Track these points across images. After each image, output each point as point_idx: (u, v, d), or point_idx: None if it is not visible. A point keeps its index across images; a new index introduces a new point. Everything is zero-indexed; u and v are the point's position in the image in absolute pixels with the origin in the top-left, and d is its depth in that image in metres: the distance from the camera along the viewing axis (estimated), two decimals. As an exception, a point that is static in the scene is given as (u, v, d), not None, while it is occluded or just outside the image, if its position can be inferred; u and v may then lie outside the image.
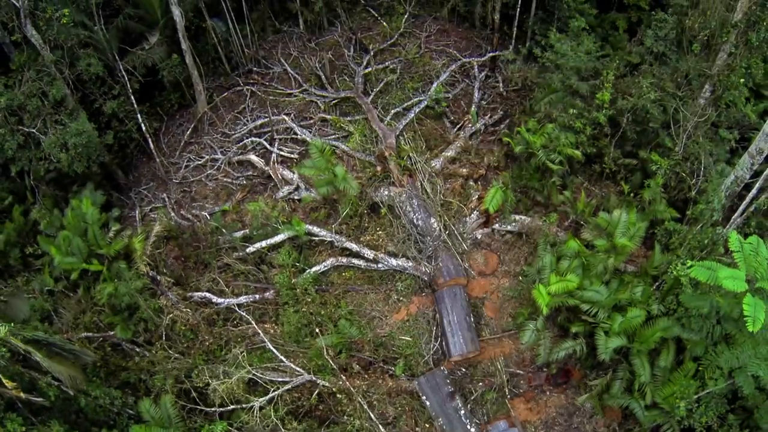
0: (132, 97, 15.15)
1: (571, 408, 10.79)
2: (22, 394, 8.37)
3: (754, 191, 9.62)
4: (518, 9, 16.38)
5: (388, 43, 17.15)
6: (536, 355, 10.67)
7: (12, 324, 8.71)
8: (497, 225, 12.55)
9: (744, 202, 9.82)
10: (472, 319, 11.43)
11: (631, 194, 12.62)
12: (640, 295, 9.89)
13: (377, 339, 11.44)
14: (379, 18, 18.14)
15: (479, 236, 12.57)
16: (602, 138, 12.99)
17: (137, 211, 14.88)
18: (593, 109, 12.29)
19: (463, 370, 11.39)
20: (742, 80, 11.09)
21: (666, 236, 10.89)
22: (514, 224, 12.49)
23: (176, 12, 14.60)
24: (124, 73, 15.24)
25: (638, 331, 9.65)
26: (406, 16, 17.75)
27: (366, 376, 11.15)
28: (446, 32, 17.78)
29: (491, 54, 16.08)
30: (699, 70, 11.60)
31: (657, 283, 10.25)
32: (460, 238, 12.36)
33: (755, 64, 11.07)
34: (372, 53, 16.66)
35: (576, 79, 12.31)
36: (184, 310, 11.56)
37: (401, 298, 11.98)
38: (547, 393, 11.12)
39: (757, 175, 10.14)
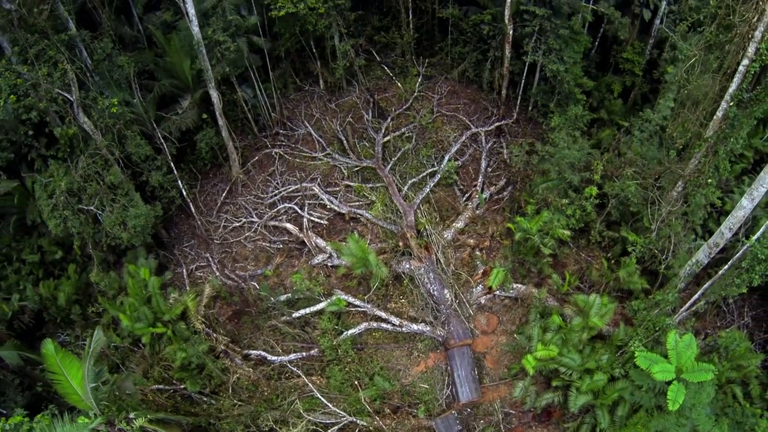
0: (172, 164, 17.64)
1: (551, 440, 14.82)
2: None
3: (702, 290, 13.20)
4: (523, 80, 19.12)
5: (404, 108, 19.70)
6: (524, 402, 14.51)
7: (129, 405, 11.89)
8: (498, 292, 16.04)
9: (692, 299, 13.44)
10: (476, 372, 15.16)
11: (612, 261, 16.19)
12: (605, 361, 13.64)
13: (403, 388, 15.13)
14: (393, 78, 20.54)
15: (482, 301, 16.09)
16: (590, 214, 16.33)
17: (184, 270, 17.84)
18: (583, 198, 15.53)
19: (469, 410, 15.24)
20: (710, 180, 14.28)
21: (632, 311, 14.55)
22: (512, 291, 15.99)
23: (214, 95, 16.92)
24: (162, 141, 17.67)
25: (602, 389, 13.47)
26: (419, 80, 20.19)
27: (395, 416, 14.92)
28: (456, 93, 20.38)
29: (497, 123, 18.90)
30: (674, 170, 14.80)
31: (620, 351, 13.98)
32: (467, 305, 15.85)
33: (723, 165, 14.20)
34: (390, 119, 19.23)
35: (570, 172, 15.42)
36: (246, 368, 14.95)
37: (421, 354, 15.58)
38: (533, 428, 15.11)
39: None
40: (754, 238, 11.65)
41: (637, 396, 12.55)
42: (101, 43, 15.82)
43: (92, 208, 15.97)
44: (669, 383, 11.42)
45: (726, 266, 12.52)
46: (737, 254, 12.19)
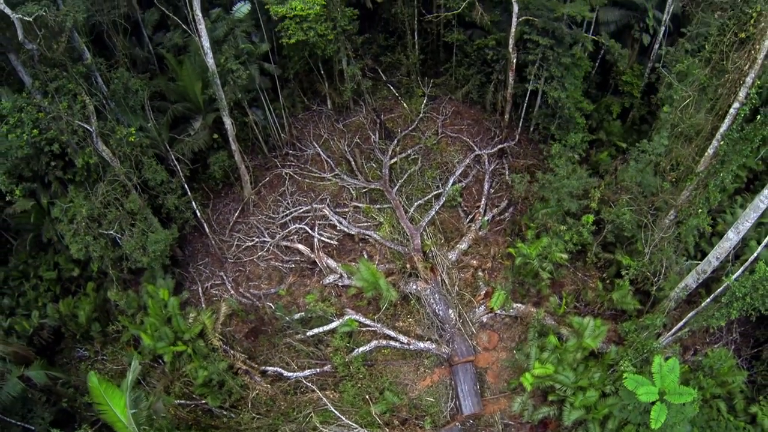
0: (186, 186, 18.41)
1: (547, 449, 16.17)
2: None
3: (685, 320, 14.40)
4: (525, 103, 19.93)
5: (410, 129, 20.50)
6: (522, 415, 15.80)
7: (165, 426, 12.99)
8: (499, 311, 17.19)
9: (676, 327, 14.64)
10: (478, 387, 16.40)
11: (608, 281, 17.34)
12: (597, 379, 14.90)
13: (410, 401, 16.36)
14: (399, 98, 21.26)
15: (484, 319, 17.25)
16: (587, 238, 17.39)
17: (199, 287, 18.80)
18: (580, 225, 16.57)
19: (471, 422, 16.54)
20: (700, 210, 15.33)
21: (624, 332, 15.76)
22: (512, 310, 17.15)
23: (227, 121, 17.62)
24: (176, 163, 18.40)
25: (593, 405, 14.76)
26: (425, 100, 20.94)
27: (403, 428, 16.19)
28: (460, 114, 21.19)
29: (500, 146, 19.77)
30: (667, 200, 15.84)
31: (611, 369, 15.24)
32: (470, 323, 17.00)
33: (713, 196, 15.21)
34: (396, 141, 20.04)
35: (568, 200, 16.42)
36: (264, 384, 16.08)
37: (427, 370, 16.78)
38: (531, 438, 16.45)
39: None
40: (734, 277, 12.75)
41: (626, 413, 13.83)
42: (117, 72, 16.40)
43: (112, 232, 16.80)
44: (653, 403, 12.68)
45: (707, 300, 13.68)
46: (719, 290, 13.32)
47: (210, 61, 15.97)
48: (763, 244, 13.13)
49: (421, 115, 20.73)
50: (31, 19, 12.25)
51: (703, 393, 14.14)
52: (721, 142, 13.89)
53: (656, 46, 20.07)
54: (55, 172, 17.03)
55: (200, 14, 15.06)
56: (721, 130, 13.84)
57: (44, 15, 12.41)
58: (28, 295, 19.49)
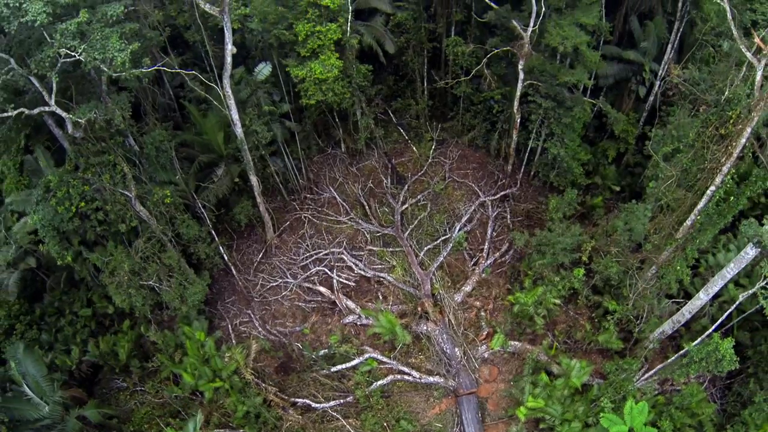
0: (213, 233, 20.22)
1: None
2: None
3: (654, 371, 17.16)
4: (527, 151, 21.80)
5: (420, 174, 22.29)
6: (517, 441, 18.83)
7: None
8: (498, 349, 19.89)
9: (648, 374, 17.42)
10: (480, 414, 19.33)
11: (596, 320, 20.02)
12: (581, 412, 17.82)
13: (422, 428, 19.26)
14: (409, 141, 22.88)
15: (486, 355, 19.96)
16: (578, 286, 19.90)
17: (229, 325, 21.03)
18: (572, 276, 18.98)
19: (474, 443, 19.57)
20: (678, 267, 17.73)
21: (606, 371, 18.58)
22: (510, 348, 19.84)
23: (254, 179, 19.27)
24: (203, 210, 20.12)
25: (577, 434, 17.78)
26: (433, 145, 22.61)
27: (415, 451, 19.15)
28: (466, 158, 22.98)
29: (503, 193, 21.78)
30: (650, 258, 18.25)
31: (593, 403, 18.14)
32: (473, 359, 19.69)
33: (691, 254, 17.54)
34: (407, 187, 21.89)
35: (562, 255, 18.73)
36: (296, 416, 18.73)
37: (436, 400, 19.59)
38: (524, 458, 19.58)
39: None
40: (693, 344, 15.39)
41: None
42: (150, 138, 17.73)
43: (151, 282, 18.72)
44: (625, 438, 15.65)
45: (672, 359, 16.39)
46: (680, 352, 16.00)
47: (239, 130, 17.43)
48: (719, 321, 15.72)
49: (429, 160, 22.48)
50: (83, 121, 13.59)
51: (674, 423, 17.07)
52: (698, 216, 16.15)
53: (651, 98, 21.87)
54: (95, 231, 18.67)
55: (230, 91, 16.40)
56: (699, 206, 16.05)
57: (95, 115, 13.70)
58: (65, 330, 21.42)
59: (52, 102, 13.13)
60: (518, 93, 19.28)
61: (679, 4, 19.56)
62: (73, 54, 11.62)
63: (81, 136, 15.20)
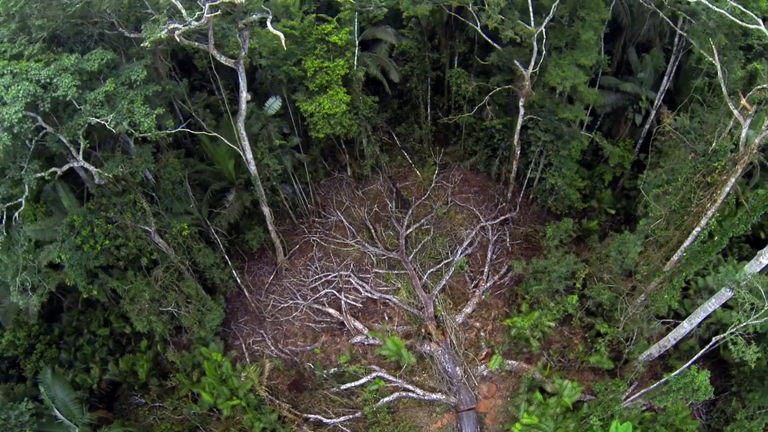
0: (227, 257, 21.34)
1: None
2: None
3: (639, 394, 18.82)
4: (526, 179, 22.92)
5: (423, 198, 23.37)
6: (514, 452, 20.65)
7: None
8: (497, 367, 21.51)
9: (633, 396, 19.10)
10: (479, 429, 21.06)
11: (589, 339, 21.63)
12: (572, 429, 19.57)
13: (425, 441, 21.02)
14: (413, 165, 23.85)
15: (485, 373, 21.57)
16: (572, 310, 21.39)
17: (242, 343, 22.40)
18: (566, 302, 20.44)
19: (473, 453, 21.41)
20: (666, 296, 19.20)
21: (597, 390, 20.26)
22: (507, 367, 21.45)
23: (266, 210, 20.29)
24: (216, 236, 21.21)
25: (568, 448, 19.58)
26: (436, 170, 23.61)
27: (419, 461, 20.95)
28: (468, 181, 24.06)
29: (503, 217, 22.98)
30: (639, 288, 19.70)
31: (584, 420, 19.88)
32: (473, 377, 21.30)
33: (678, 284, 18.95)
34: (410, 212, 23.00)
35: (557, 282, 20.12)
36: (308, 431, 20.36)
37: (438, 416, 21.28)
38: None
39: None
40: (673, 375, 16.96)
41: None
42: (166, 173, 18.59)
43: (171, 308, 19.95)
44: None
45: (653, 386, 18.02)
46: (661, 381, 17.61)
47: (252, 168, 18.36)
48: (698, 354, 17.23)
49: (433, 184, 23.55)
50: (111, 175, 14.49)
51: (659, 438, 18.86)
52: (684, 253, 17.53)
53: (647, 127, 22.91)
54: (115, 258, 19.72)
55: (244, 133, 17.24)
56: (685, 244, 17.41)
57: (121, 171, 14.58)
58: (84, 349, 22.68)
59: (80, 158, 14.00)
60: (518, 126, 20.24)
61: (676, 39, 20.41)
62: (102, 122, 12.45)
63: (104, 183, 16.10)
